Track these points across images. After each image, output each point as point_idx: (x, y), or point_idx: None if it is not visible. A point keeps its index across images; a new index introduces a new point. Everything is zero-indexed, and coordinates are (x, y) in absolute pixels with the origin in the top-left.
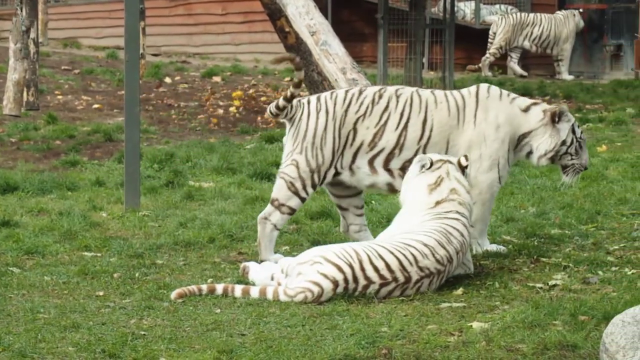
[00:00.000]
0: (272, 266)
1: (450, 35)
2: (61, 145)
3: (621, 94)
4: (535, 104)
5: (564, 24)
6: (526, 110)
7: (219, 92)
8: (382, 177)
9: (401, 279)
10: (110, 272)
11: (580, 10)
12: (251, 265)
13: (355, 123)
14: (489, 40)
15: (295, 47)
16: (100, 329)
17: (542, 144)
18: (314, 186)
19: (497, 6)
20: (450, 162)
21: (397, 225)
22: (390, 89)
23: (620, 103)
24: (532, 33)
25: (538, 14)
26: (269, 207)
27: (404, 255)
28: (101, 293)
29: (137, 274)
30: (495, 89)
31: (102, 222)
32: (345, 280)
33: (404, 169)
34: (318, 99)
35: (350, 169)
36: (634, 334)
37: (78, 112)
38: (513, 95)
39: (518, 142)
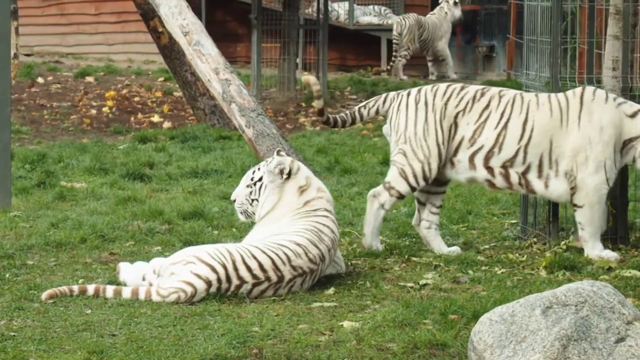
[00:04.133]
0: (144, 266)
1: (324, 36)
2: None
3: None
4: None
5: (439, 24)
6: (633, 115)
7: (92, 92)
8: (481, 174)
9: (274, 278)
10: None
11: (456, 0)
12: (122, 266)
13: (456, 117)
14: (394, 41)
15: (169, 47)
16: None
17: None
18: (425, 178)
19: (371, 7)
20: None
21: (263, 228)
22: (494, 89)
23: None
24: (422, 35)
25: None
26: (380, 187)
27: (277, 255)
28: None
29: (7, 275)
30: (601, 93)
31: None
32: (219, 280)
33: (505, 167)
34: (419, 91)
35: (451, 161)
36: (501, 333)
37: None
38: (620, 100)
39: (623, 145)
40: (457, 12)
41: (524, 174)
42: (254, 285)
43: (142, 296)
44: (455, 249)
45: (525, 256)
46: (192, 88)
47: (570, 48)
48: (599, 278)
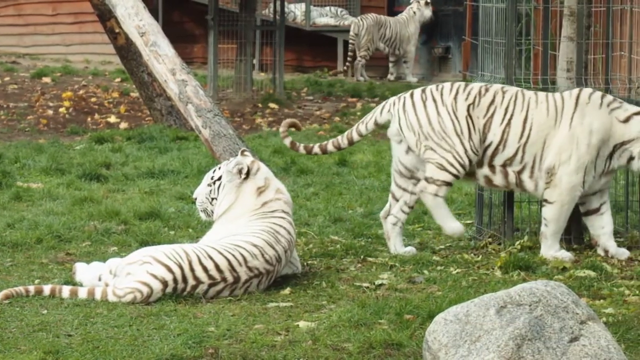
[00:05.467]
0: (100, 267)
1: (281, 37)
2: None
3: None
4: (637, 113)
5: (406, 25)
6: (626, 120)
7: (49, 92)
8: (483, 171)
9: (230, 279)
10: None
11: (428, 0)
12: (78, 266)
13: (468, 109)
14: (350, 42)
15: (125, 48)
16: None
17: None
18: (462, 165)
19: (328, 8)
20: (259, 161)
21: (221, 227)
22: (496, 85)
23: None
24: (385, 34)
25: (384, 16)
26: (422, 183)
27: (233, 255)
28: None
29: None
30: (596, 97)
31: None
32: (175, 280)
33: (504, 166)
34: (423, 91)
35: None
36: (456, 332)
37: None
38: (615, 104)
39: (613, 150)
40: (428, 13)
41: (519, 173)
42: (210, 285)
43: (98, 296)
44: (411, 250)
45: (481, 256)
46: (148, 89)
47: (525, 49)
48: (553, 278)
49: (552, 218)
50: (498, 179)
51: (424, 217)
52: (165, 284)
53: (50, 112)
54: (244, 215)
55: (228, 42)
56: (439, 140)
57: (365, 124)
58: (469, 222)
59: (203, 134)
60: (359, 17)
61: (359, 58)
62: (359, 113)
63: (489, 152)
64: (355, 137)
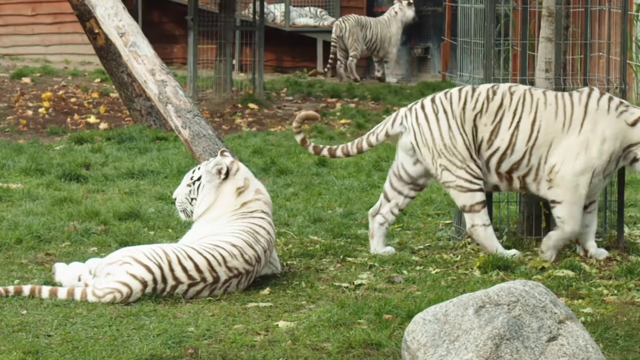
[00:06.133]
0: (80, 267)
1: (260, 37)
2: None
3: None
4: None
5: (387, 25)
6: (634, 124)
7: (28, 93)
8: (493, 179)
9: (209, 279)
10: None
11: (410, 1)
12: (58, 267)
13: (474, 120)
14: (332, 43)
15: (105, 48)
16: None
17: None
18: (478, 177)
19: (307, 9)
20: (239, 161)
21: (200, 228)
22: (503, 86)
23: None
24: (366, 36)
25: (365, 17)
26: (466, 216)
27: (212, 256)
28: None
29: None
30: (604, 102)
31: None
32: (154, 280)
33: (510, 172)
34: (432, 101)
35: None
36: (434, 332)
37: None
38: (622, 108)
39: (622, 152)
40: (410, 13)
41: (524, 177)
42: (190, 285)
43: (78, 297)
44: (390, 250)
45: (460, 256)
46: (128, 89)
47: (504, 50)
48: (532, 278)
49: (567, 216)
50: (504, 186)
51: (403, 217)
52: (144, 284)
53: (29, 112)
54: (223, 215)
55: (208, 42)
56: (450, 157)
57: (376, 135)
58: (448, 222)
59: (183, 135)
60: (341, 19)
61: (350, 58)
62: (338, 113)
63: (495, 158)
64: (365, 147)
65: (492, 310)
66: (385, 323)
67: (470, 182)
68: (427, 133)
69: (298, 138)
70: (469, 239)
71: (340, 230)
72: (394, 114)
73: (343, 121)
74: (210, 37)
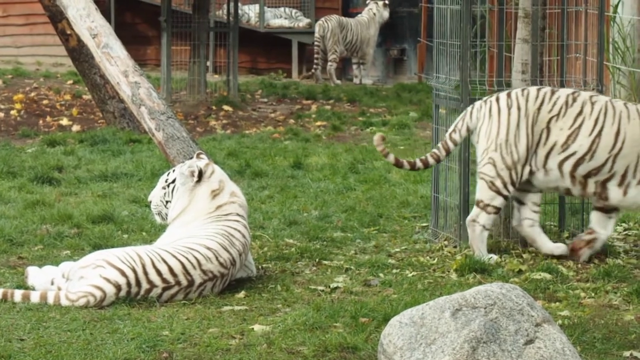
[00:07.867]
0: (53, 270)
1: (234, 38)
2: None
3: (404, 97)
4: None
5: (367, 26)
6: None
7: None
8: (566, 182)
9: (184, 282)
10: None
11: (386, 2)
12: (30, 270)
13: (549, 122)
14: (316, 44)
15: (77, 49)
16: None
17: None
18: (513, 184)
19: (282, 9)
20: (214, 164)
21: (175, 230)
22: (584, 94)
23: (403, 107)
24: (346, 37)
25: (345, 18)
26: (475, 209)
27: (187, 259)
28: None
29: None
30: None
31: None
32: (128, 284)
33: (587, 176)
34: (508, 95)
35: (544, 168)
36: (411, 335)
37: None
38: None
39: None
40: (386, 14)
41: (605, 182)
42: (164, 289)
43: (50, 300)
44: (561, 246)
45: (436, 259)
46: (101, 91)
47: (481, 51)
48: (509, 281)
49: None
50: (576, 190)
51: (379, 219)
52: (118, 287)
53: (1, 114)
54: (198, 218)
55: (181, 43)
56: (505, 155)
57: (459, 131)
58: (424, 224)
59: (156, 137)
60: (323, 19)
61: (330, 62)
62: (313, 115)
63: (570, 161)
64: (452, 146)
65: (469, 313)
66: (362, 326)
67: (505, 186)
68: (494, 124)
69: (391, 159)
70: (445, 242)
71: (315, 233)
72: (469, 108)
73: (319, 123)
74: (184, 39)
